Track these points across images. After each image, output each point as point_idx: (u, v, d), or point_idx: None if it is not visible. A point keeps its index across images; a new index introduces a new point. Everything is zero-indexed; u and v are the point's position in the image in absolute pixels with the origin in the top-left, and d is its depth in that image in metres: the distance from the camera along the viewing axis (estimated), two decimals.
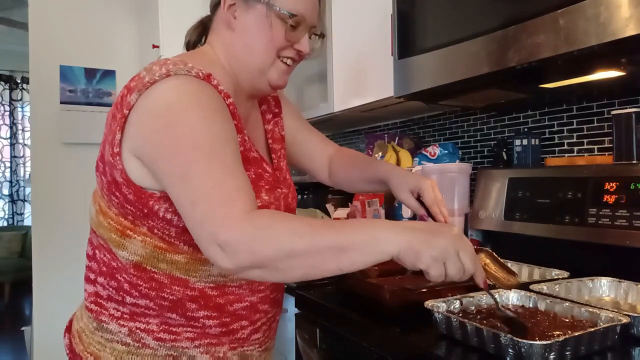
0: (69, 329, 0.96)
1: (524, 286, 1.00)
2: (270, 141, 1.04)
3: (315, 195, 2.27)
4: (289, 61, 0.93)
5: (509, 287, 0.91)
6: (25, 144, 6.24)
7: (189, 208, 0.72)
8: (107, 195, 0.84)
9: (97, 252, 0.89)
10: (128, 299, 0.85)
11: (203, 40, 1.00)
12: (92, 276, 0.89)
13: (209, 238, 0.69)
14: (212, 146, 0.74)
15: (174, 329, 0.85)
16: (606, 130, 1.39)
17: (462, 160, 1.79)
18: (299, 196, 2.34)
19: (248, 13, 0.90)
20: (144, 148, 0.78)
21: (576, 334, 0.71)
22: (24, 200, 6.27)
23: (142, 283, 0.84)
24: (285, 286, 1.31)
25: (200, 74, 0.80)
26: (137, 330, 0.85)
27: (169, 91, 0.78)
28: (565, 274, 1.14)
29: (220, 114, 0.80)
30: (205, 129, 0.75)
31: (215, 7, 0.94)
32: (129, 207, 0.82)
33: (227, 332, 0.88)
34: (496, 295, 0.93)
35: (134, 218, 0.83)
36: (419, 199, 1.04)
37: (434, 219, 1.02)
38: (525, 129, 1.61)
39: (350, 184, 1.19)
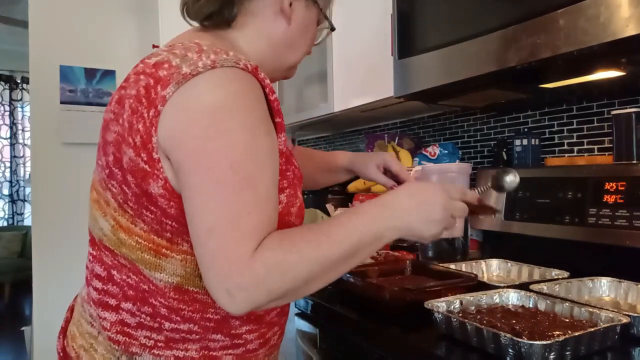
0: None
1: (524, 286, 1.00)
2: None
3: (315, 196, 2.27)
4: None
5: (490, 212, 0.91)
6: (25, 144, 6.24)
7: (203, 234, 0.66)
8: (134, 209, 0.72)
9: (114, 272, 0.77)
10: (167, 325, 0.75)
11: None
12: (112, 302, 0.76)
13: (217, 278, 0.64)
14: (250, 170, 0.67)
15: (214, 354, 0.77)
16: (606, 130, 1.39)
17: (462, 160, 1.79)
18: None
19: (306, 11, 0.87)
20: (175, 150, 0.68)
21: (576, 334, 0.71)
22: (24, 200, 6.27)
23: (184, 307, 0.74)
24: None
25: (248, 66, 0.71)
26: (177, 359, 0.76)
27: (216, 90, 0.68)
28: (565, 274, 1.14)
29: (265, 125, 0.71)
30: (247, 148, 0.67)
31: None
32: (169, 222, 0.71)
33: (264, 342, 0.82)
34: (495, 296, 0.93)
35: (173, 235, 0.72)
36: (385, 173, 1.13)
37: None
38: (525, 129, 1.61)
39: (306, 179, 1.13)
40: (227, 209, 0.65)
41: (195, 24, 0.86)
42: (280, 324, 0.86)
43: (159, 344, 0.75)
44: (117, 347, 0.76)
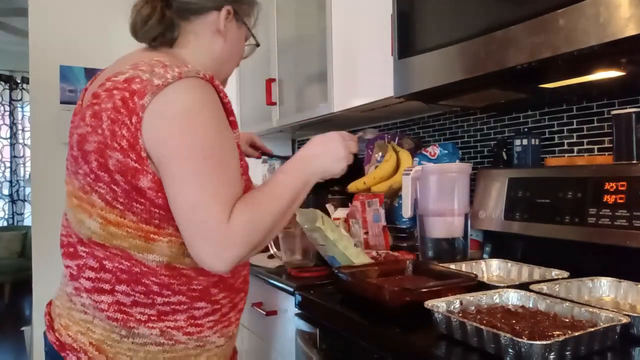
0: (64, 348, 0.90)
1: (524, 286, 1.00)
2: None
3: (315, 196, 2.27)
4: None
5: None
6: (25, 144, 6.23)
7: (188, 210, 0.81)
8: (124, 204, 0.85)
9: (105, 262, 0.88)
10: (158, 300, 0.88)
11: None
12: (106, 287, 0.88)
13: (206, 245, 0.81)
14: (220, 156, 0.85)
15: (199, 321, 0.93)
16: (606, 130, 1.39)
17: (462, 160, 1.79)
18: None
19: (238, 30, 1.05)
20: (157, 147, 0.82)
21: (576, 334, 0.71)
22: (24, 200, 6.26)
23: (174, 281, 0.89)
24: (285, 286, 1.31)
25: (207, 76, 0.88)
26: (168, 329, 0.90)
27: (185, 94, 0.84)
28: (565, 274, 1.14)
29: (225, 122, 0.89)
30: (216, 138, 0.85)
31: (206, 10, 0.99)
32: (157, 211, 0.85)
33: (233, 306, 0.99)
34: (495, 296, 0.93)
35: (161, 221, 0.86)
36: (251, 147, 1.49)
37: (267, 154, 1.53)
38: (525, 129, 1.61)
39: None
40: (206, 187, 0.81)
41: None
42: (245, 290, 1.03)
43: (152, 318, 0.89)
44: (116, 324, 0.88)
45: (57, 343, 0.91)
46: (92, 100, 0.87)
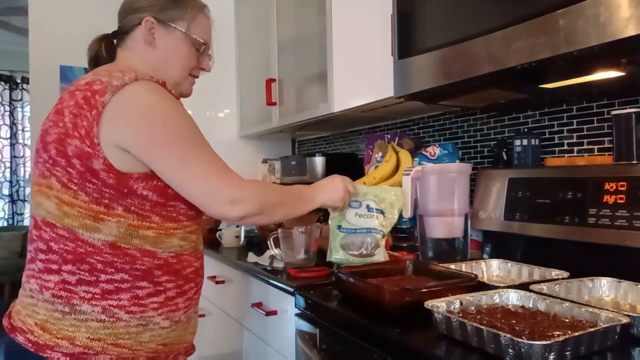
0: (14, 330, 0.98)
1: (524, 286, 1.00)
2: None
3: None
4: (195, 74, 1.21)
5: None
6: (25, 144, 6.23)
7: (199, 183, 0.96)
8: (78, 184, 0.94)
9: (52, 244, 0.96)
10: (102, 277, 0.95)
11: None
12: (54, 267, 0.96)
13: (224, 199, 0.98)
14: (196, 135, 1.00)
15: (142, 302, 0.99)
16: (606, 131, 1.39)
17: (462, 160, 1.79)
18: None
19: (168, 35, 1.13)
20: (136, 140, 0.94)
21: (576, 334, 0.71)
22: (24, 200, 6.26)
23: (117, 260, 0.96)
24: (285, 286, 1.31)
25: (159, 81, 1.02)
26: (110, 307, 0.96)
27: (145, 91, 0.97)
28: (565, 274, 1.14)
29: (187, 112, 1.02)
30: (186, 122, 0.99)
31: (132, 27, 1.13)
32: (108, 191, 0.95)
33: (181, 292, 1.05)
34: (495, 296, 0.93)
35: (110, 201, 0.95)
36: None
37: None
38: (525, 129, 1.61)
39: None
40: (203, 161, 0.97)
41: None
42: (196, 281, 1.10)
43: (96, 296, 0.95)
44: (60, 301, 0.95)
45: (9, 327, 1.00)
46: (57, 102, 1.03)
